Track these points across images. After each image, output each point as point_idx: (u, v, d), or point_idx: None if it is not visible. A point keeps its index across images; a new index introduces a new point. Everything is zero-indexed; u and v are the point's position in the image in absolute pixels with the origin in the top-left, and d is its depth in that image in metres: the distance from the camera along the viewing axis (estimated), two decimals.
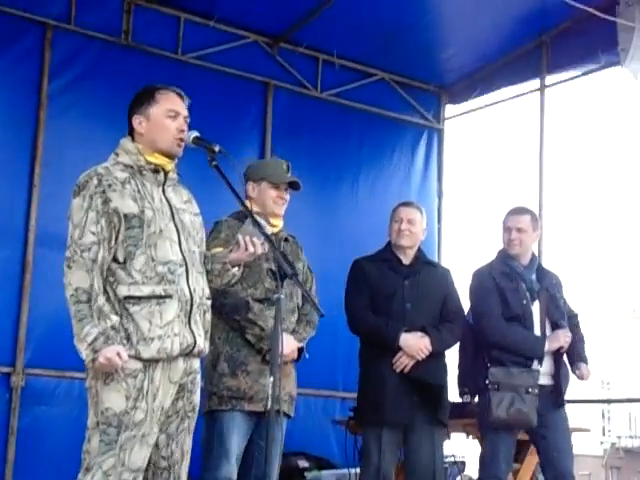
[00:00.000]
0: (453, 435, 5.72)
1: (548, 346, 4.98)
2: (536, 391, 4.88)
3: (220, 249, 3.74)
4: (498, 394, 4.88)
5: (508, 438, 4.95)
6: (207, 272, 3.57)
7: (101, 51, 6.67)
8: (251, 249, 3.53)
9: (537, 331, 5.02)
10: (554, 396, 5.01)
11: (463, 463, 6.80)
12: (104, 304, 3.26)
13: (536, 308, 5.07)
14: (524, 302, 5.04)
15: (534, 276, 5.16)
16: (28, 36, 6.42)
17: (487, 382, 4.95)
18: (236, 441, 4.14)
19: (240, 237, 3.55)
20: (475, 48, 7.60)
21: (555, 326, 5.08)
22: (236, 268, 3.63)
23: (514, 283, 5.06)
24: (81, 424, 3.44)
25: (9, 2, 6.28)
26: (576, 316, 5.30)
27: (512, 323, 4.99)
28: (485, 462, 5.00)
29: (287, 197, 4.40)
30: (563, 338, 5.02)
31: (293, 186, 4.42)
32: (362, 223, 7.41)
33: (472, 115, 8.43)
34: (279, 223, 4.40)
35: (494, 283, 5.07)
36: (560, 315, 5.10)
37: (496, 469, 4.91)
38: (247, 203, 3.72)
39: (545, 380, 5.00)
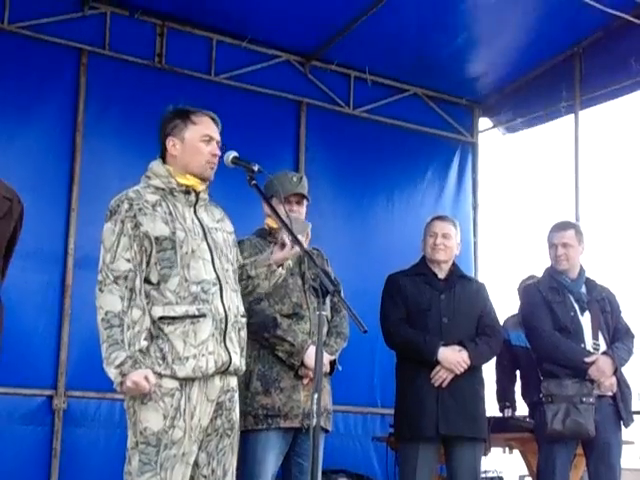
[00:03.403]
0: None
1: (595, 373, 4.92)
2: (591, 400, 4.86)
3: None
4: (552, 406, 4.88)
5: (564, 451, 4.93)
6: (251, 278, 3.63)
7: (136, 75, 6.74)
8: (297, 247, 3.57)
9: (589, 343, 5.00)
10: (613, 409, 4.98)
11: (501, 478, 6.76)
12: (139, 332, 3.28)
13: (587, 320, 5.06)
14: (572, 314, 5.03)
15: (583, 288, 5.13)
16: (64, 62, 6.51)
17: (541, 395, 4.93)
18: (272, 460, 4.14)
19: (285, 236, 3.60)
20: (507, 61, 7.58)
21: (611, 340, 5.04)
22: (280, 268, 3.69)
23: (561, 296, 5.06)
24: (122, 445, 3.46)
25: (44, 29, 6.38)
26: (627, 331, 5.17)
27: (561, 335, 4.98)
28: (541, 476, 4.97)
29: (300, 209, 4.35)
30: (608, 383, 4.95)
31: (305, 197, 4.37)
32: (397, 238, 7.40)
33: (506, 128, 8.38)
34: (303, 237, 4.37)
35: (541, 297, 5.08)
36: (606, 328, 5.05)
37: None
38: (284, 218, 3.71)
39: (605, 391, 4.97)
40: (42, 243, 6.13)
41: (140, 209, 3.40)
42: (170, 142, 3.55)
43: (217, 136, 3.58)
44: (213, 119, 3.60)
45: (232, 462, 3.49)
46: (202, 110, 3.61)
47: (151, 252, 3.37)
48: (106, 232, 3.40)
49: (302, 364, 4.14)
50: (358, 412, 7.24)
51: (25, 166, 6.10)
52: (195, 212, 3.52)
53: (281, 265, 3.70)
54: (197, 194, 3.54)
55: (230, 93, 7.03)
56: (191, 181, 3.52)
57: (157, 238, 3.37)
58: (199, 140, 3.53)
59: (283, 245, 3.63)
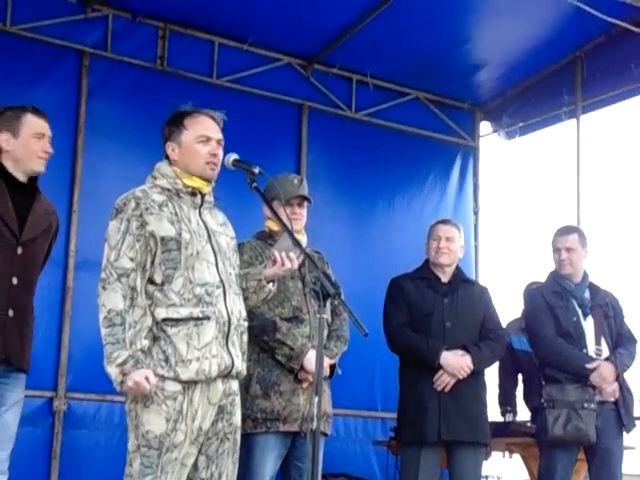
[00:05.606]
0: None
1: (597, 379, 4.91)
2: (592, 406, 4.85)
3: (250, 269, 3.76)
4: (554, 411, 4.87)
5: (565, 456, 4.92)
6: (242, 290, 3.59)
7: (137, 77, 6.76)
8: (288, 264, 3.57)
9: (591, 348, 4.99)
10: (615, 415, 4.97)
11: None
12: (140, 330, 3.26)
13: (589, 325, 5.05)
14: (574, 319, 5.02)
15: (587, 293, 5.13)
16: (65, 63, 6.52)
17: (542, 400, 4.92)
18: (270, 463, 4.13)
19: (276, 253, 3.57)
20: (509, 65, 7.58)
21: (613, 345, 5.03)
22: (271, 284, 3.66)
23: (564, 300, 5.06)
24: (122, 448, 3.46)
25: (46, 31, 6.39)
26: (630, 336, 5.17)
27: (564, 340, 4.97)
28: None
29: (301, 212, 4.35)
30: (610, 389, 4.94)
31: (307, 199, 4.37)
32: (398, 242, 7.40)
33: (507, 132, 8.37)
34: (302, 239, 4.32)
35: (544, 301, 5.07)
36: (609, 333, 5.05)
37: None
38: (287, 222, 3.71)
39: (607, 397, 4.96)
40: None
41: (147, 208, 3.38)
42: (169, 147, 3.54)
43: (216, 135, 3.54)
44: (212, 117, 3.57)
45: (227, 465, 3.45)
46: (199, 109, 3.58)
47: (156, 252, 3.36)
48: (111, 230, 3.39)
49: (301, 368, 4.13)
50: (358, 416, 7.24)
51: None
52: (200, 214, 3.51)
53: (272, 281, 3.67)
54: (202, 196, 3.53)
55: (232, 96, 7.03)
56: (197, 183, 3.51)
57: (163, 238, 3.36)
58: (195, 142, 3.50)
59: (275, 261, 3.60)
